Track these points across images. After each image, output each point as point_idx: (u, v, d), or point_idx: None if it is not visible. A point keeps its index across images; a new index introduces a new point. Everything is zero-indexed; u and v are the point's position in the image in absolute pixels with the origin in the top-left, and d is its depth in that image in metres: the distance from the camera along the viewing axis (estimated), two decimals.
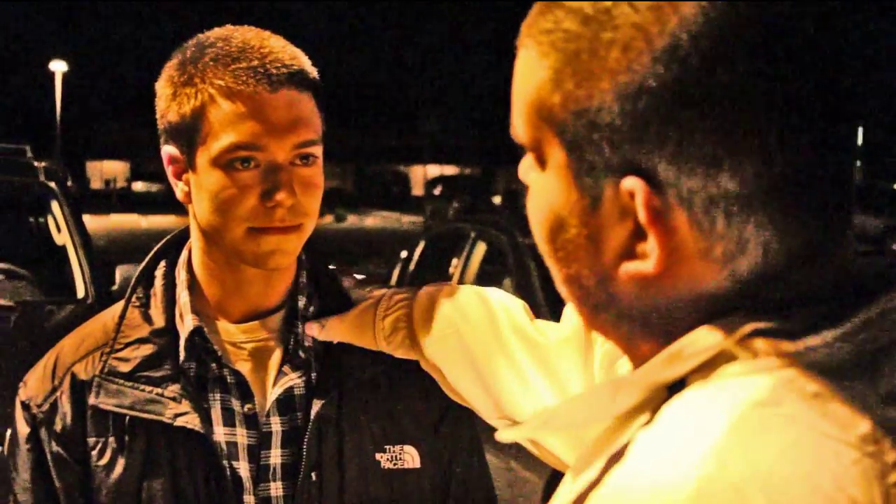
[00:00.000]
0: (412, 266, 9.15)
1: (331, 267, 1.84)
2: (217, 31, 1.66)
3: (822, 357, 0.79)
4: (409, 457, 1.75)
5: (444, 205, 37.34)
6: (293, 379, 1.71)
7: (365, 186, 61.69)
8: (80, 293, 5.88)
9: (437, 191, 45.98)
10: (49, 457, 1.70)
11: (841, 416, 0.76)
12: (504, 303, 1.64)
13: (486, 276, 7.14)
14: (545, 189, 0.90)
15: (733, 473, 0.73)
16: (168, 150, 1.67)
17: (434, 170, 66.34)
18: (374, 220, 40.51)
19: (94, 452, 1.67)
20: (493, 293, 1.67)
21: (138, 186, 61.52)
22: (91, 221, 6.48)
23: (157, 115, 1.67)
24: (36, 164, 6.84)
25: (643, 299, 0.86)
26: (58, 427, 1.70)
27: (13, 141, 7.71)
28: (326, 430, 1.70)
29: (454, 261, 7.92)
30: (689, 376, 0.83)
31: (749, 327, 0.81)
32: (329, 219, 40.96)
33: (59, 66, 46.68)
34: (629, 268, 0.85)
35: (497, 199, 44.01)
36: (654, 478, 0.76)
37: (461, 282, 6.62)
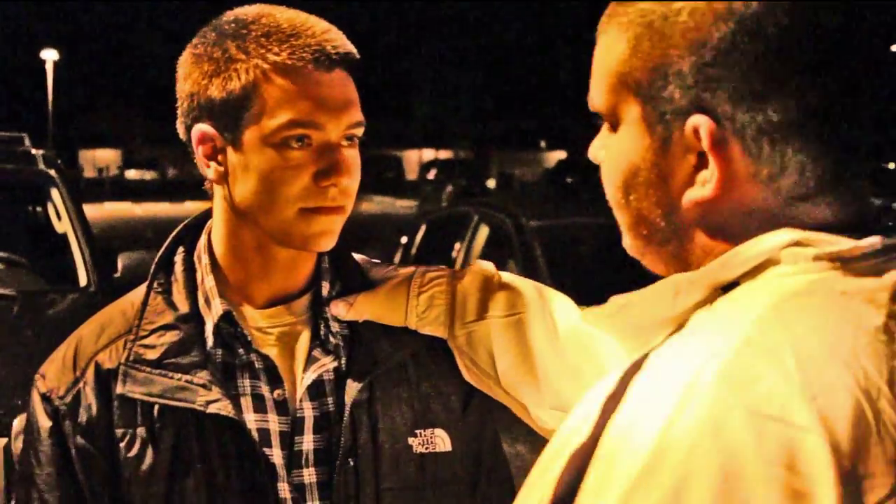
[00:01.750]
0: (413, 250, 9.13)
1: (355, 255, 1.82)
2: (250, 10, 1.62)
3: (850, 265, 0.98)
4: (441, 440, 1.73)
5: (438, 189, 37.33)
6: (325, 364, 1.68)
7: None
8: (82, 281, 5.83)
9: (431, 175, 46.02)
10: (73, 450, 1.65)
11: (862, 311, 0.94)
12: (557, 295, 1.71)
13: (490, 260, 7.10)
14: (621, 145, 1.09)
15: (770, 338, 0.91)
16: (201, 128, 1.62)
17: (428, 154, 66.46)
18: (368, 206, 40.50)
19: (122, 444, 1.63)
20: (543, 287, 1.72)
21: (131, 174, 61.58)
22: (85, 210, 6.43)
23: (186, 93, 1.63)
24: (34, 151, 6.78)
25: (704, 221, 1.04)
26: (82, 419, 1.65)
27: (9, 129, 7.66)
28: (360, 416, 1.68)
29: (456, 245, 7.90)
30: (741, 280, 1.01)
31: (792, 238, 0.99)
32: None
33: (50, 55, 46.61)
34: (691, 194, 1.03)
35: (491, 183, 44.07)
36: (704, 339, 0.95)
37: (464, 266, 6.55)
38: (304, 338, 1.70)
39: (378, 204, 41.44)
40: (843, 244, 0.98)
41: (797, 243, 0.99)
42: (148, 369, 1.64)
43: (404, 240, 9.75)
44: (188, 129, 1.64)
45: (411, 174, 59.99)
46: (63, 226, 6.22)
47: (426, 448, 1.71)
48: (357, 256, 1.81)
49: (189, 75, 1.62)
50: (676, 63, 1.03)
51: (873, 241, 0.99)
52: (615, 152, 1.11)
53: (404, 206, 40.15)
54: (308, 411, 1.67)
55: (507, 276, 1.74)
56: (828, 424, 0.86)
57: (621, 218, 1.13)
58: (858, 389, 0.89)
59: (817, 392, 0.88)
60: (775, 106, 1.00)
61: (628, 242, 1.14)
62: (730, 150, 1.01)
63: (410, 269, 1.76)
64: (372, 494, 1.66)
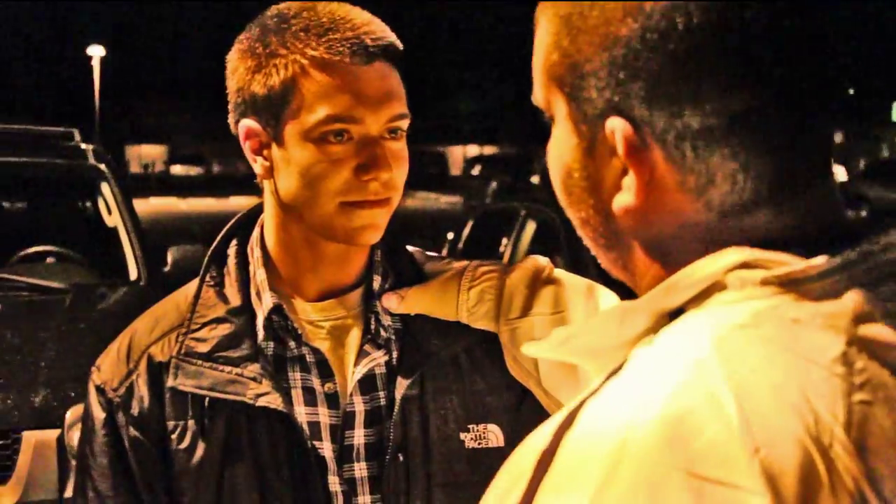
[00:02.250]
0: (460, 246, 9.12)
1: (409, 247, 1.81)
2: (294, 4, 1.62)
3: (803, 287, 0.88)
4: (493, 435, 1.72)
5: (482, 185, 37.27)
6: (376, 358, 1.68)
7: None
8: (133, 275, 5.90)
9: (475, 171, 45.97)
10: (127, 442, 1.66)
11: (815, 340, 0.85)
12: (608, 295, 1.67)
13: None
14: (556, 142, 1.03)
15: (710, 381, 0.82)
16: (247, 123, 1.63)
17: (473, 150, 66.38)
18: (411, 201, 40.55)
19: (173, 436, 1.64)
20: (595, 284, 1.70)
21: (176, 170, 61.89)
22: None
23: (233, 89, 1.64)
24: (84, 146, 6.85)
25: (639, 232, 0.97)
26: (135, 411, 1.66)
27: (58, 125, 7.71)
28: (411, 410, 1.67)
29: (504, 240, 7.89)
30: (688, 305, 0.93)
31: (738, 260, 0.90)
32: None
33: (96, 51, 46.93)
34: (617, 201, 0.96)
35: (535, 179, 43.96)
36: (640, 385, 0.86)
37: (511, 262, 6.54)
38: (356, 331, 1.70)
39: (422, 200, 41.47)
40: (794, 264, 0.89)
41: (744, 265, 0.90)
42: (199, 362, 1.64)
43: (451, 235, 9.74)
44: (236, 124, 1.65)
45: (455, 170, 59.94)
46: (113, 220, 6.28)
47: (478, 443, 1.70)
48: (411, 249, 1.81)
49: (235, 70, 1.63)
50: (591, 61, 0.96)
51: (829, 258, 0.89)
52: (554, 150, 1.05)
53: (448, 201, 40.14)
54: (359, 405, 1.66)
55: (558, 273, 1.72)
56: (773, 483, 0.78)
57: (572, 219, 1.07)
58: (808, 438, 0.80)
59: (761, 444, 0.79)
60: (693, 110, 0.91)
61: (584, 240, 1.07)
62: (651, 156, 0.93)
63: (464, 262, 1.75)
64: (422, 489, 1.66)
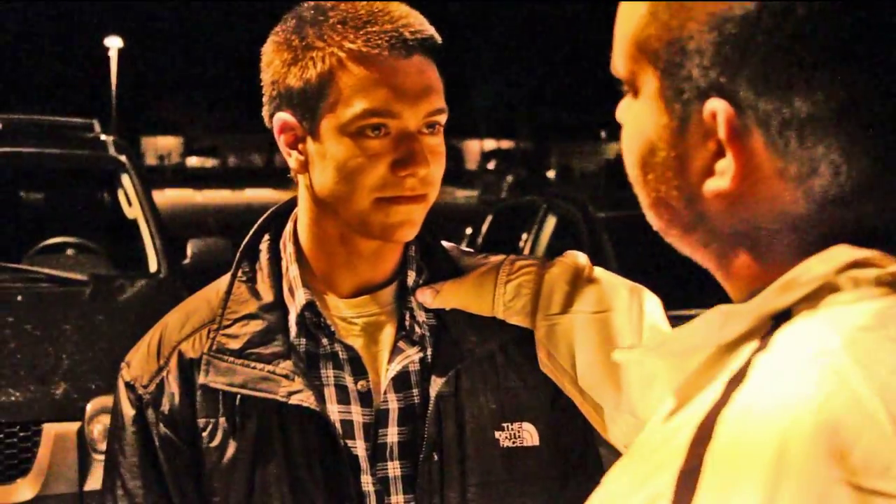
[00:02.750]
0: (480, 241, 9.10)
1: (444, 243, 1.78)
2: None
3: None
4: (528, 434, 1.69)
5: (498, 179, 37.31)
6: (411, 355, 1.65)
7: None
8: (152, 267, 5.88)
9: (491, 165, 45.99)
10: (157, 439, 1.64)
11: None
12: (649, 297, 1.65)
13: (557, 251, 7.06)
14: (639, 117, 1.00)
15: (854, 387, 0.80)
16: (282, 117, 1.60)
17: (489, 144, 66.40)
18: None
19: (204, 434, 1.62)
20: (638, 286, 1.67)
21: (192, 162, 62.09)
22: None
23: (267, 81, 1.61)
24: (104, 138, 6.84)
25: (729, 217, 0.94)
26: (165, 408, 1.64)
27: (76, 116, 7.72)
28: (446, 408, 1.64)
29: (524, 235, 7.86)
30: (795, 307, 0.90)
31: (849, 259, 0.88)
32: None
33: (114, 43, 47.03)
34: (710, 185, 0.94)
35: (551, 174, 43.96)
36: (781, 395, 0.82)
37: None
38: (390, 328, 1.67)
39: (440, 194, 41.39)
40: None
41: (855, 263, 0.88)
42: (230, 359, 1.62)
43: (469, 231, 9.72)
44: (271, 117, 1.63)
45: (471, 164, 59.96)
46: (133, 212, 6.28)
47: (513, 442, 1.67)
48: (446, 244, 1.78)
49: (270, 63, 1.60)
50: (696, 39, 0.92)
51: None
52: (634, 125, 1.02)
53: (465, 195, 40.16)
54: (392, 403, 1.64)
55: (599, 272, 1.68)
56: None
57: (641, 196, 1.04)
58: None
59: None
60: (803, 97, 0.89)
61: (651, 220, 1.05)
62: (751, 142, 0.91)
63: (500, 256, 1.72)
64: (457, 488, 1.63)
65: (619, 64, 1.03)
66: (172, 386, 1.64)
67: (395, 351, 1.65)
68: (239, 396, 1.60)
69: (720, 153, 0.93)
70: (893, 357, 0.82)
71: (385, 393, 1.63)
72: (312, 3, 1.59)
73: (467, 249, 1.80)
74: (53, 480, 4.27)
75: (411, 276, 1.69)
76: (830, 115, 0.89)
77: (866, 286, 0.87)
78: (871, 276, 0.87)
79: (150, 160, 64.98)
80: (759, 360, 0.88)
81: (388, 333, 1.67)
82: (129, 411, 1.67)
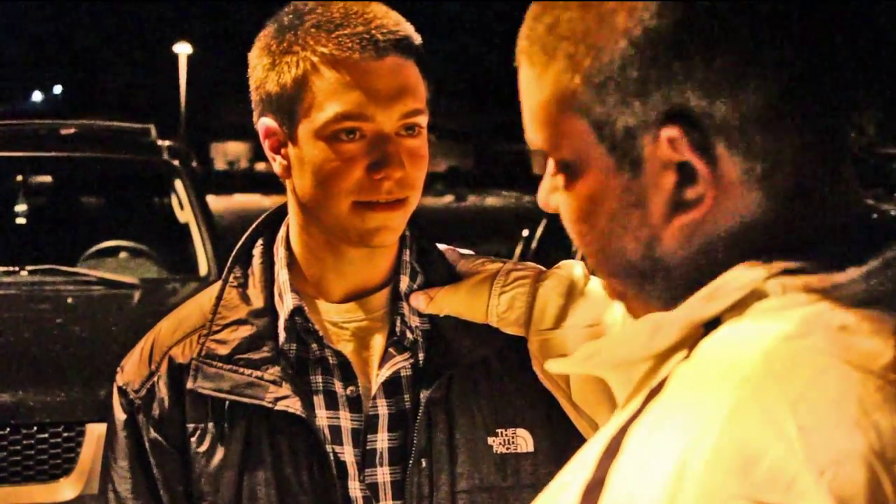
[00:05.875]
0: (534, 244, 9.06)
1: (441, 245, 1.76)
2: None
3: (846, 292, 0.83)
4: (523, 440, 1.66)
5: None
6: (400, 361, 1.64)
7: (485, 166, 61.90)
8: (203, 271, 5.93)
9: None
10: (147, 444, 1.65)
11: (865, 347, 0.80)
12: None
13: None
14: (579, 182, 0.94)
15: (765, 399, 0.77)
16: (265, 122, 1.61)
17: None
18: (494, 200, 40.46)
19: (192, 439, 1.62)
20: None
21: (260, 167, 62.40)
22: (215, 201, 6.58)
23: (252, 86, 1.62)
24: (160, 142, 6.91)
25: (688, 248, 0.90)
26: (155, 413, 1.65)
27: (139, 122, 7.81)
28: (436, 414, 1.63)
29: None
30: (724, 315, 0.87)
31: (778, 266, 0.85)
32: (450, 198, 41.11)
33: (183, 49, 47.45)
34: (682, 219, 0.89)
35: None
36: (692, 406, 0.80)
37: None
38: (382, 333, 1.66)
39: (504, 199, 41.42)
40: (838, 269, 0.85)
41: (785, 270, 0.85)
42: (219, 364, 1.62)
43: (525, 233, 9.68)
44: (257, 122, 1.63)
45: (538, 169, 59.76)
46: (185, 216, 6.32)
47: (507, 448, 1.65)
48: (442, 247, 1.75)
49: (254, 68, 1.60)
50: (630, 67, 0.88)
51: (876, 256, 0.85)
52: (574, 193, 0.95)
53: (530, 200, 40.00)
54: (382, 409, 1.63)
55: (593, 284, 1.62)
56: None
57: (598, 266, 0.99)
58: (872, 454, 0.75)
59: (825, 465, 0.74)
60: (755, 90, 0.86)
61: (608, 289, 1.01)
62: (717, 155, 0.87)
63: (498, 264, 1.68)
64: (447, 495, 1.62)
65: (537, 134, 0.97)
66: (162, 391, 1.65)
67: (385, 356, 1.64)
68: (227, 402, 1.61)
69: (684, 180, 0.88)
70: (812, 367, 0.79)
71: (375, 398, 1.62)
72: (292, 8, 1.59)
73: (466, 252, 1.77)
74: (96, 480, 4.25)
75: (404, 282, 1.68)
76: (785, 103, 0.86)
77: (794, 293, 0.85)
78: (800, 282, 0.85)
79: (220, 165, 65.60)
80: (677, 371, 0.86)
81: (379, 338, 1.66)
82: (120, 416, 1.69)
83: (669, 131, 0.87)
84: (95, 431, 4.35)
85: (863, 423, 0.77)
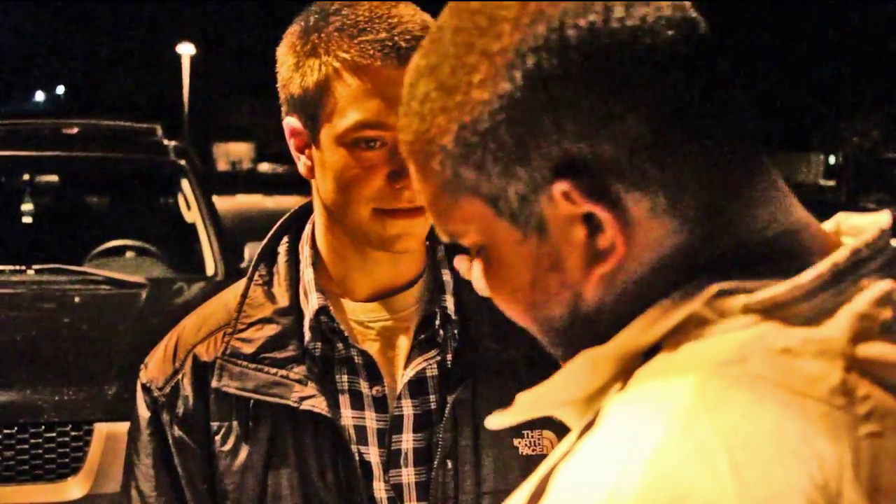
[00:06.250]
0: None
1: None
2: None
3: (790, 312, 0.79)
4: (549, 442, 1.64)
5: None
6: (426, 361, 1.62)
7: None
8: (210, 270, 5.95)
9: None
10: (171, 442, 1.64)
11: (809, 371, 0.76)
12: None
13: None
14: (493, 262, 0.92)
15: (697, 433, 0.73)
16: (290, 122, 1.59)
17: None
18: None
19: (217, 437, 1.61)
20: None
21: (263, 167, 62.48)
22: (218, 202, 6.56)
23: (279, 83, 1.59)
24: (166, 142, 6.92)
25: (612, 293, 0.87)
26: (179, 411, 1.64)
27: (144, 121, 7.82)
28: (462, 415, 1.61)
29: None
30: (663, 342, 0.83)
31: (714, 288, 0.81)
32: None
33: (186, 50, 47.46)
34: (601, 269, 0.86)
35: None
36: (622, 439, 0.76)
37: None
38: (408, 333, 1.64)
39: None
40: (777, 286, 0.80)
41: (721, 292, 0.81)
42: (244, 363, 1.61)
43: None
44: (283, 119, 1.62)
45: None
46: (192, 215, 6.33)
47: (533, 450, 1.64)
48: None
49: (280, 66, 1.58)
50: (499, 134, 0.85)
51: (818, 270, 0.80)
52: (493, 271, 0.93)
53: None
54: (408, 409, 1.61)
55: None
56: None
57: (541, 338, 0.97)
58: (813, 488, 0.71)
59: (760, 502, 0.70)
60: (635, 120, 0.82)
61: (548, 344, 0.98)
62: (616, 195, 0.83)
63: None
64: (472, 497, 1.60)
65: (443, 227, 0.95)
66: (187, 389, 1.64)
67: (411, 356, 1.62)
68: (252, 401, 1.59)
69: (593, 231, 0.85)
70: (749, 396, 0.75)
71: (400, 399, 1.61)
72: (319, 7, 1.56)
73: None
74: (103, 480, 4.31)
75: (447, 274, 1.66)
76: (667, 129, 0.83)
77: (733, 316, 0.81)
78: (739, 304, 0.81)
79: (223, 166, 65.52)
80: (610, 404, 0.82)
81: (405, 338, 1.64)
82: (144, 413, 1.67)
83: (560, 186, 0.84)
84: (103, 431, 4.35)
85: (803, 454, 0.72)
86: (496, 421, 0.98)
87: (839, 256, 0.81)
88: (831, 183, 47.99)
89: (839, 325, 0.78)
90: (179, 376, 1.65)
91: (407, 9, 1.53)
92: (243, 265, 6.07)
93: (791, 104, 44.93)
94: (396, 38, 1.49)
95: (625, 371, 0.86)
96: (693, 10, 0.88)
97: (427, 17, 1.54)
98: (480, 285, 0.97)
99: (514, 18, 0.85)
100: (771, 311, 0.80)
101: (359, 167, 1.50)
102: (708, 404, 0.75)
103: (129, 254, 6.26)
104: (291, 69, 1.55)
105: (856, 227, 0.90)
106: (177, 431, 1.63)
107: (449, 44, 0.89)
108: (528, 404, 0.94)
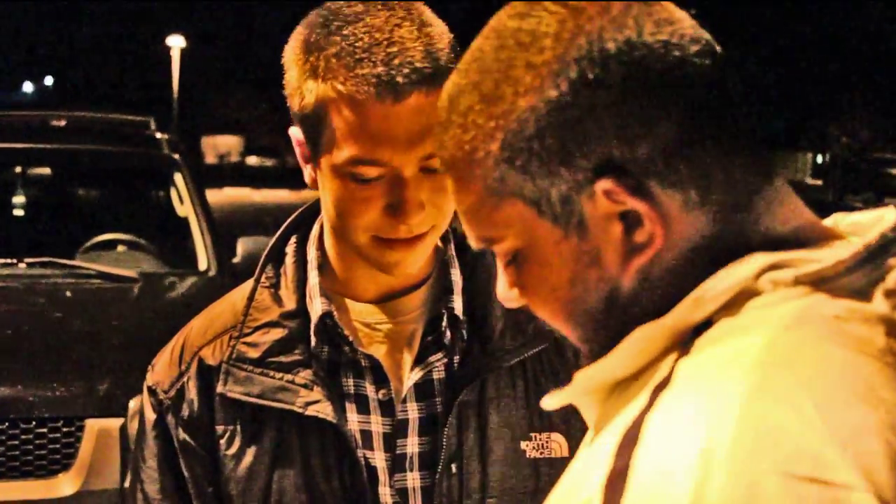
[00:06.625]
0: None
1: None
2: (344, 8, 1.49)
3: (834, 285, 0.88)
4: (557, 445, 1.63)
5: None
6: (433, 363, 1.60)
7: None
8: (202, 265, 5.92)
9: None
10: (176, 444, 1.63)
11: (859, 333, 0.85)
12: None
13: None
14: (532, 265, 0.98)
15: (777, 382, 0.81)
16: (294, 132, 1.56)
17: None
18: None
19: (222, 441, 1.60)
20: None
21: (251, 161, 62.42)
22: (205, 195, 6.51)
23: (285, 88, 1.54)
24: (159, 136, 6.89)
25: (649, 283, 0.94)
26: (184, 414, 1.62)
27: (135, 114, 7.78)
28: (467, 416, 1.59)
29: None
30: (715, 316, 0.90)
31: (766, 262, 0.89)
32: None
33: (176, 42, 47.37)
34: (638, 261, 0.93)
35: None
36: (706, 392, 0.84)
37: None
38: (415, 335, 1.62)
39: None
40: (823, 260, 0.89)
41: (772, 266, 0.90)
42: (249, 368, 1.59)
43: None
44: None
45: None
46: (185, 210, 6.31)
47: (541, 453, 1.62)
48: None
49: (286, 71, 1.54)
50: (544, 137, 0.93)
51: (855, 248, 0.89)
52: (531, 275, 0.99)
53: None
54: (413, 413, 1.59)
55: None
56: (870, 477, 0.78)
57: (574, 334, 1.02)
58: (885, 428, 0.80)
59: (847, 439, 0.79)
60: (667, 124, 0.91)
61: (583, 343, 1.03)
62: (653, 192, 0.92)
63: None
64: (477, 501, 1.58)
65: (481, 233, 1.01)
66: (192, 392, 1.62)
67: (418, 358, 1.60)
68: (257, 405, 1.58)
69: (629, 226, 0.93)
70: (816, 352, 0.84)
71: (405, 402, 1.59)
72: (320, 20, 1.50)
73: None
74: (95, 476, 4.29)
75: (456, 274, 1.64)
76: (695, 130, 0.92)
77: (785, 287, 0.89)
78: (790, 276, 0.89)
79: (210, 159, 65.43)
80: (682, 365, 0.89)
81: (412, 340, 1.62)
82: (150, 415, 1.66)
83: (603, 185, 0.91)
84: (95, 427, 4.33)
85: (872, 400, 0.81)
86: (552, 401, 1.04)
87: (870, 238, 0.90)
88: (819, 182, 48.06)
89: (878, 297, 0.88)
90: (185, 379, 1.64)
91: (410, 31, 1.46)
92: (236, 260, 6.06)
93: (779, 103, 45.03)
94: (394, 72, 1.42)
95: (674, 347, 0.92)
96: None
97: (432, 30, 1.48)
98: (511, 295, 1.03)
99: (554, 34, 0.93)
100: (818, 283, 0.88)
101: (355, 199, 1.48)
102: (781, 360, 0.83)
103: (121, 248, 6.24)
104: (294, 83, 1.51)
105: (855, 224, 0.99)
106: (182, 434, 1.62)
107: (491, 61, 0.96)
108: (586, 381, 0.99)
